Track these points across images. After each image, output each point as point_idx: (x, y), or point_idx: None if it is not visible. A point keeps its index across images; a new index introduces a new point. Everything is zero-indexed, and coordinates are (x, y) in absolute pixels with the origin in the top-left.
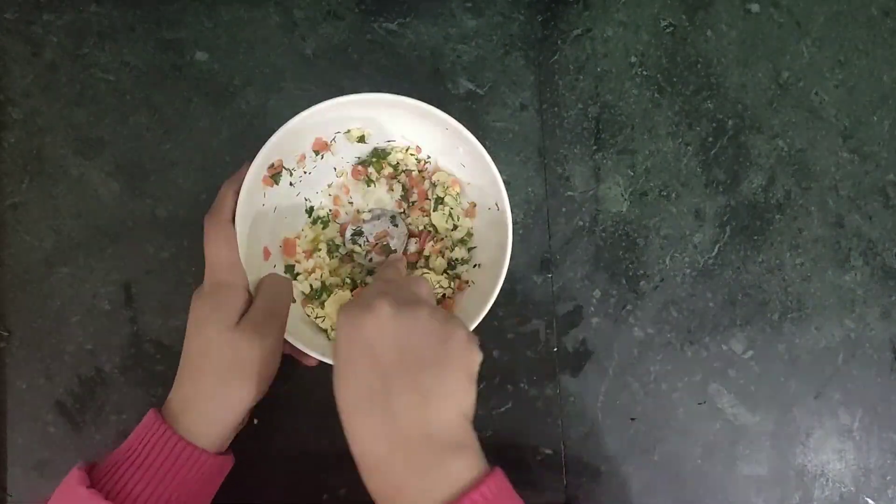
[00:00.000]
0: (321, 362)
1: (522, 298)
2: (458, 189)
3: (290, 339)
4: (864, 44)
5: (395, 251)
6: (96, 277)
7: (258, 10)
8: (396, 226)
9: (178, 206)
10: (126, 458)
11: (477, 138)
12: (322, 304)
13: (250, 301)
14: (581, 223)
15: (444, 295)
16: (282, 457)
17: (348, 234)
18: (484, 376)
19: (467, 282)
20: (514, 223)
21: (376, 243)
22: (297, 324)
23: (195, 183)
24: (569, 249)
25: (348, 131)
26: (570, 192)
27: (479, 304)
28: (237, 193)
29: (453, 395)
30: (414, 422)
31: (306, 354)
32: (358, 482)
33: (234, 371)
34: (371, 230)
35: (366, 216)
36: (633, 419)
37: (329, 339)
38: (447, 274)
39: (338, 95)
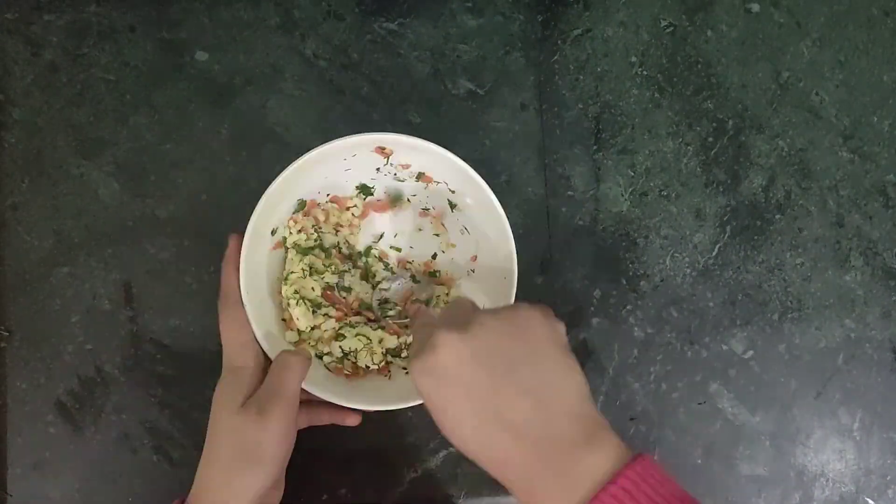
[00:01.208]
0: (363, 417)
1: (523, 298)
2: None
3: (319, 394)
4: (865, 44)
5: (428, 302)
6: (96, 277)
7: (258, 10)
8: (418, 282)
9: (178, 206)
10: None
11: (477, 139)
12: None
13: (261, 380)
14: (581, 223)
15: None
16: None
17: (375, 304)
18: None
19: None
20: (515, 223)
21: (405, 304)
22: (321, 380)
23: (195, 183)
24: (569, 249)
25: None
26: (570, 192)
27: None
28: (237, 271)
29: (560, 380)
30: (538, 425)
31: (348, 413)
32: (358, 482)
33: (240, 456)
34: (394, 295)
35: (384, 284)
36: (632, 419)
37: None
38: None
39: (338, 96)
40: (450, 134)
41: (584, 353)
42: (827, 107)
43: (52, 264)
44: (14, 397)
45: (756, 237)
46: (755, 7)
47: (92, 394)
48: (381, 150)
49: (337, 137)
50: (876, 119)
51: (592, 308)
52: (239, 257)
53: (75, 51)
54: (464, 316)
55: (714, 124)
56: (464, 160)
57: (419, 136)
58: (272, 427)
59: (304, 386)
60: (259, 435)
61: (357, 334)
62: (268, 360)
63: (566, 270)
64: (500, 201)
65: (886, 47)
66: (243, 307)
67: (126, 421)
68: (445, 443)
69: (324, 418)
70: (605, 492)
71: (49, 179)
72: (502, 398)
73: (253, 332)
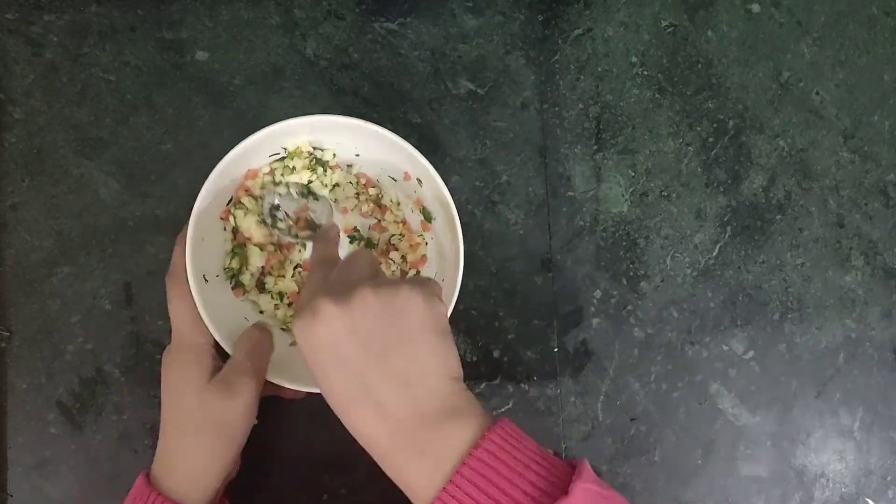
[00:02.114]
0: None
1: (523, 299)
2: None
3: (273, 380)
4: (865, 43)
5: (321, 224)
6: (96, 277)
7: (258, 10)
8: (317, 199)
9: (178, 206)
10: None
11: (477, 139)
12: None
13: (217, 356)
14: (582, 223)
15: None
16: (282, 457)
17: (266, 208)
18: (485, 376)
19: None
20: (515, 224)
21: (298, 219)
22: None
23: (195, 183)
24: (569, 249)
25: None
26: (570, 193)
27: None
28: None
29: (431, 364)
30: (401, 406)
31: (283, 388)
32: (358, 482)
33: (208, 431)
34: (288, 206)
35: (281, 189)
36: (633, 419)
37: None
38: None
39: (338, 96)
40: (450, 134)
41: (584, 354)
42: (827, 106)
43: (52, 264)
44: (14, 397)
45: (756, 237)
46: (755, 7)
47: (92, 394)
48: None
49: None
50: (876, 119)
51: (593, 308)
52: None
53: (76, 51)
54: (352, 280)
55: (715, 124)
56: (463, 161)
57: (419, 136)
58: (239, 403)
59: (293, 386)
60: (228, 411)
61: (294, 276)
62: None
63: (566, 271)
64: (500, 201)
65: (887, 47)
66: (188, 283)
67: (126, 421)
68: None
69: (266, 390)
70: (466, 464)
71: (49, 179)
72: (372, 378)
73: (196, 308)
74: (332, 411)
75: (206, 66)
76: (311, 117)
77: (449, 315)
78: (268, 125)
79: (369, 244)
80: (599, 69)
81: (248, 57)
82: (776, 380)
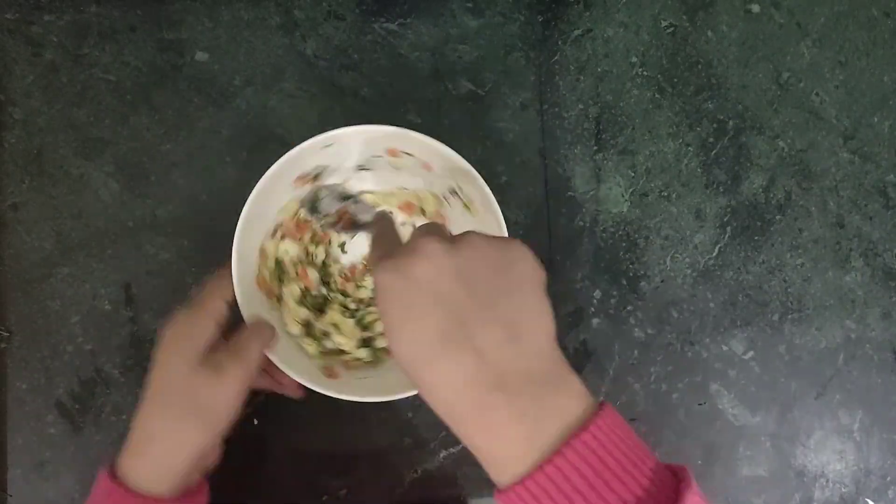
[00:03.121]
0: (307, 393)
1: None
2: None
3: (280, 366)
4: (865, 44)
5: (364, 222)
6: (96, 277)
7: (258, 10)
8: (357, 202)
9: (178, 207)
10: None
11: (477, 139)
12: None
13: (219, 335)
14: (581, 224)
15: None
16: (282, 457)
17: (307, 200)
18: None
19: None
20: (515, 224)
21: (339, 219)
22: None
23: (195, 183)
24: (569, 250)
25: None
26: (570, 193)
27: None
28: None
29: (538, 320)
30: (506, 357)
31: (290, 384)
32: (357, 483)
33: (193, 411)
34: (328, 207)
35: (322, 192)
36: (633, 419)
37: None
38: None
39: (338, 96)
40: (450, 134)
41: (584, 354)
42: (827, 107)
43: (52, 264)
44: (14, 398)
45: (756, 238)
46: (755, 7)
47: (92, 394)
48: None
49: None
50: (876, 120)
51: (593, 309)
52: (228, 282)
53: (76, 51)
54: (446, 231)
55: (714, 125)
56: (466, 161)
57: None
58: (228, 389)
59: (300, 380)
60: (215, 394)
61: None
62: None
63: (566, 271)
64: (500, 201)
65: (886, 48)
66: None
67: (126, 421)
68: (445, 443)
69: (264, 383)
70: (578, 438)
71: (49, 179)
72: (476, 321)
73: (234, 294)
74: (333, 412)
75: (206, 67)
76: (355, 128)
77: None
78: (271, 125)
79: None
80: (599, 70)
81: (248, 57)
82: (776, 380)
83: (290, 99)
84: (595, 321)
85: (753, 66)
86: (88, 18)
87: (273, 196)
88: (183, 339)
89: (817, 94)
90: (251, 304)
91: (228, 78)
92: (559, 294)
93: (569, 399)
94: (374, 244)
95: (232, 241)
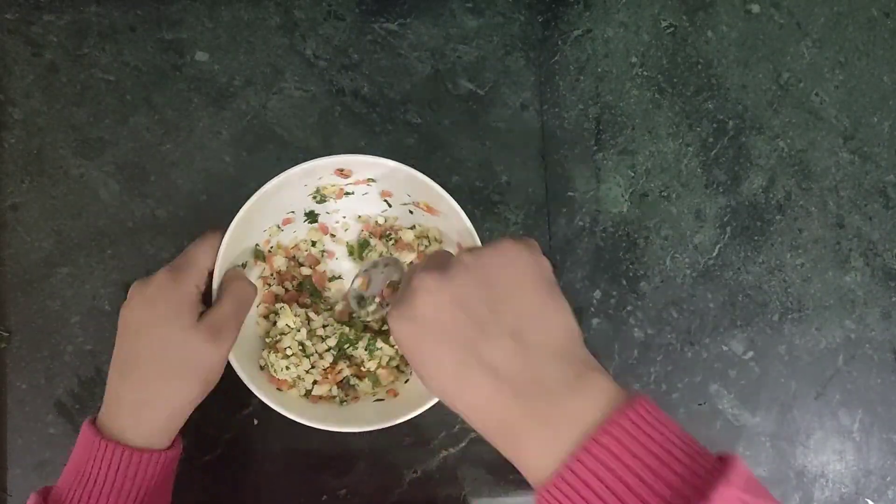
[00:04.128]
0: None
1: None
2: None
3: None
4: (865, 45)
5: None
6: (96, 278)
7: (258, 10)
8: (386, 266)
9: (178, 207)
10: (79, 482)
11: (477, 139)
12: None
13: (203, 299)
14: (581, 224)
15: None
16: (282, 457)
17: (352, 301)
18: None
19: None
20: (515, 224)
21: (383, 296)
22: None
23: (195, 183)
24: (569, 250)
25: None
26: (570, 193)
27: None
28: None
29: (544, 318)
30: (517, 368)
31: None
32: (357, 483)
33: (185, 372)
34: (378, 286)
35: (366, 267)
36: None
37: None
38: None
39: (338, 96)
40: (450, 134)
41: None
42: (827, 108)
43: (52, 264)
44: (14, 397)
45: (756, 238)
46: (755, 8)
47: (92, 394)
48: (340, 171)
49: (334, 139)
50: (876, 120)
51: (592, 309)
52: (215, 243)
53: (75, 51)
54: (445, 258)
55: (714, 125)
56: (463, 161)
57: (419, 136)
58: (224, 349)
59: (299, 419)
60: (213, 357)
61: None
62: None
63: (566, 271)
64: (500, 202)
65: (886, 48)
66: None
67: None
68: (445, 443)
69: None
70: (595, 442)
71: (49, 179)
72: (483, 341)
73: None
74: None
75: (206, 67)
76: (334, 158)
77: None
78: (271, 125)
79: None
80: (599, 70)
81: (248, 57)
82: (776, 380)
83: (290, 99)
84: (595, 321)
85: (753, 66)
86: (88, 18)
87: (274, 201)
88: (172, 304)
89: (817, 94)
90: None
91: (228, 78)
92: None
93: (586, 401)
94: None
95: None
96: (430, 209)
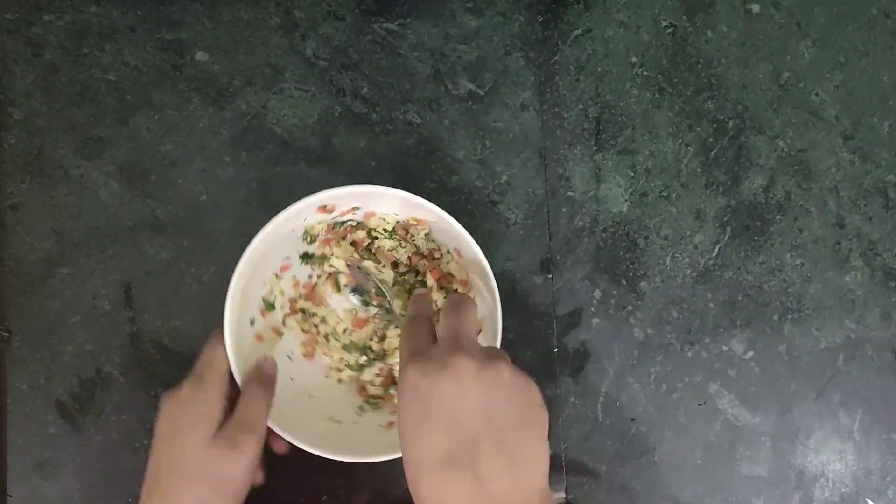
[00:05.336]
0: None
1: (522, 299)
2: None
3: (274, 427)
4: (865, 45)
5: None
6: (96, 278)
7: (258, 10)
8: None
9: (178, 207)
10: None
11: (477, 139)
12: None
13: (226, 409)
14: (581, 224)
15: None
16: (282, 457)
17: (348, 293)
18: None
19: None
20: (515, 224)
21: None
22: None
23: (195, 183)
24: (569, 250)
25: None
26: (570, 193)
27: None
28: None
29: (539, 460)
30: (504, 489)
31: (275, 440)
32: (357, 484)
33: (213, 489)
34: (364, 282)
35: (352, 270)
36: (633, 419)
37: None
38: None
39: (338, 96)
40: (450, 134)
41: (584, 354)
42: (827, 107)
43: (52, 265)
44: (14, 398)
45: (756, 238)
46: (755, 8)
47: (92, 394)
48: (322, 208)
49: (334, 139)
50: (876, 120)
51: (592, 309)
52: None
53: (75, 51)
54: (488, 352)
55: (714, 125)
56: (463, 161)
57: (419, 136)
58: (244, 460)
59: (296, 442)
60: (233, 470)
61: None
62: (233, 389)
63: (566, 271)
64: (500, 202)
65: (886, 48)
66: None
67: (126, 421)
68: None
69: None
70: None
71: (49, 179)
72: (484, 452)
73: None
74: None
75: (206, 67)
76: (351, 188)
77: None
78: (271, 125)
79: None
80: (599, 70)
81: (248, 58)
82: (776, 380)
83: (289, 99)
84: (595, 321)
85: (753, 66)
86: (88, 18)
87: (273, 249)
88: (192, 416)
89: (817, 94)
90: (247, 360)
91: (228, 78)
92: (559, 294)
93: None
94: (408, 332)
95: (232, 241)
96: (418, 221)
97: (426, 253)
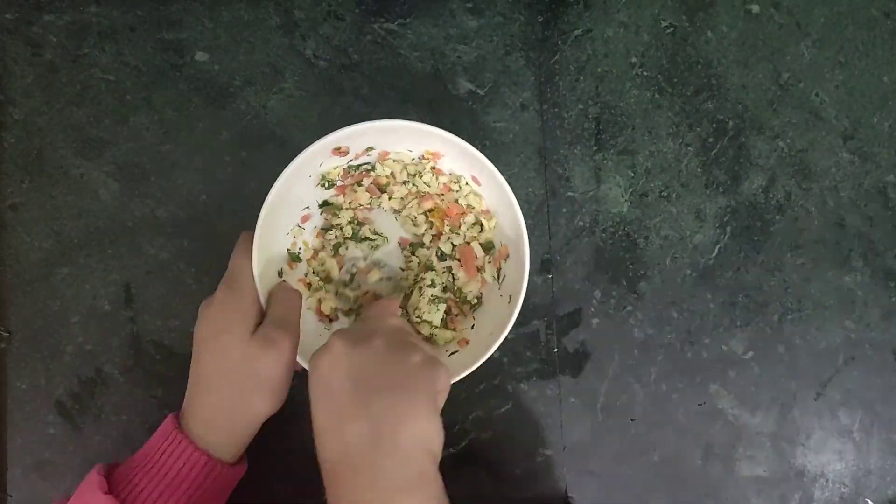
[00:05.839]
0: None
1: (523, 299)
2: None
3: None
4: (865, 45)
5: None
6: (96, 278)
7: (258, 10)
8: (390, 279)
9: (178, 207)
10: (143, 465)
11: (477, 139)
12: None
13: (262, 312)
14: (581, 224)
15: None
16: (283, 457)
17: (344, 274)
18: (484, 377)
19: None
20: None
21: (366, 292)
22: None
23: (195, 183)
24: (569, 250)
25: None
26: (570, 193)
27: (472, 356)
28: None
29: (409, 423)
30: (363, 452)
31: None
32: None
33: (252, 385)
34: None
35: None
36: (633, 419)
37: None
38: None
39: (338, 96)
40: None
41: (583, 354)
42: (827, 108)
43: (52, 265)
44: (14, 397)
45: (756, 238)
46: (755, 8)
47: (92, 394)
48: (337, 150)
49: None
50: (876, 120)
51: (592, 309)
52: (250, 246)
53: (75, 51)
54: (373, 329)
55: (714, 125)
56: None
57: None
58: (284, 358)
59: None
60: (272, 366)
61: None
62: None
63: (566, 271)
64: None
65: (886, 48)
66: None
67: (126, 421)
68: (445, 443)
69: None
70: None
71: (49, 179)
72: (348, 417)
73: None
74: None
75: (206, 67)
76: (376, 122)
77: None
78: (271, 125)
79: (415, 246)
80: (599, 70)
81: (248, 58)
82: (776, 380)
83: (289, 99)
84: (595, 321)
85: (753, 66)
86: (88, 18)
87: (298, 184)
88: (228, 317)
89: (817, 94)
90: (269, 270)
91: (228, 78)
92: (559, 294)
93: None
94: (368, 310)
95: (231, 242)
96: (434, 154)
97: (440, 191)
